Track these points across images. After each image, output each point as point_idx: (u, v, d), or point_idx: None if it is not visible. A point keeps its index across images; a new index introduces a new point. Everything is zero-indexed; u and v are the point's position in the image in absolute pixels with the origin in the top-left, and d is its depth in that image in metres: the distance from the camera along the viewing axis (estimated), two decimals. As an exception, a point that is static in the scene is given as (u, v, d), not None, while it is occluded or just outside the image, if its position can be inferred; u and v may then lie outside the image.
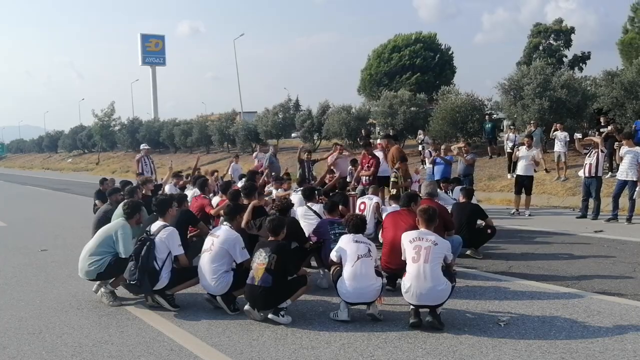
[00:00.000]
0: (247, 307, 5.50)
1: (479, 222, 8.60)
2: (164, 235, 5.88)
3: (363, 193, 10.01)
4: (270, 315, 5.41)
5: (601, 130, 16.19)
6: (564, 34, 41.63)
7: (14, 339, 5.17)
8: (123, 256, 6.02)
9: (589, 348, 4.66)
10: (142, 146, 14.91)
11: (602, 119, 16.57)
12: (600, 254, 8.52)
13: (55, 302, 6.36)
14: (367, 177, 10.75)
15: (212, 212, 8.24)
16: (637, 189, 11.24)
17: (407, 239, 5.39)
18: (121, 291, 6.33)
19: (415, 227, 5.65)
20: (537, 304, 5.90)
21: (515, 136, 17.58)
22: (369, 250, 5.53)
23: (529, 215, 12.66)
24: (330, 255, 5.75)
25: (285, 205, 7.07)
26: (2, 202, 20.43)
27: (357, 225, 5.81)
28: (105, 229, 6.38)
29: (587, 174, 11.79)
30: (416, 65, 40.91)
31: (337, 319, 5.46)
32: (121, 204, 6.97)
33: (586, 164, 11.85)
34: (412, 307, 5.27)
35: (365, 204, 8.85)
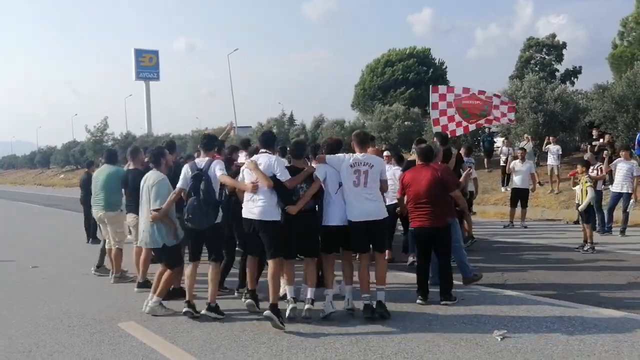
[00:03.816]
0: (274, 319, 5.59)
1: None
2: (215, 166, 5.96)
3: None
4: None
5: (593, 143, 16.33)
6: (556, 48, 41.92)
7: (3, 358, 5.08)
8: (157, 206, 6.14)
9: (587, 362, 4.62)
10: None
11: (594, 132, 16.71)
12: (595, 266, 8.51)
13: (45, 319, 6.26)
14: None
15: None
16: (631, 201, 11.29)
17: (347, 164, 5.86)
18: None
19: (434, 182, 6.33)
20: (533, 317, 5.85)
21: (509, 149, 17.64)
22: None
23: (525, 227, 12.65)
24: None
25: None
26: (-6, 218, 20.25)
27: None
28: (148, 195, 6.34)
29: None
30: (409, 79, 41.04)
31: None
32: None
33: None
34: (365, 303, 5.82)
35: None
